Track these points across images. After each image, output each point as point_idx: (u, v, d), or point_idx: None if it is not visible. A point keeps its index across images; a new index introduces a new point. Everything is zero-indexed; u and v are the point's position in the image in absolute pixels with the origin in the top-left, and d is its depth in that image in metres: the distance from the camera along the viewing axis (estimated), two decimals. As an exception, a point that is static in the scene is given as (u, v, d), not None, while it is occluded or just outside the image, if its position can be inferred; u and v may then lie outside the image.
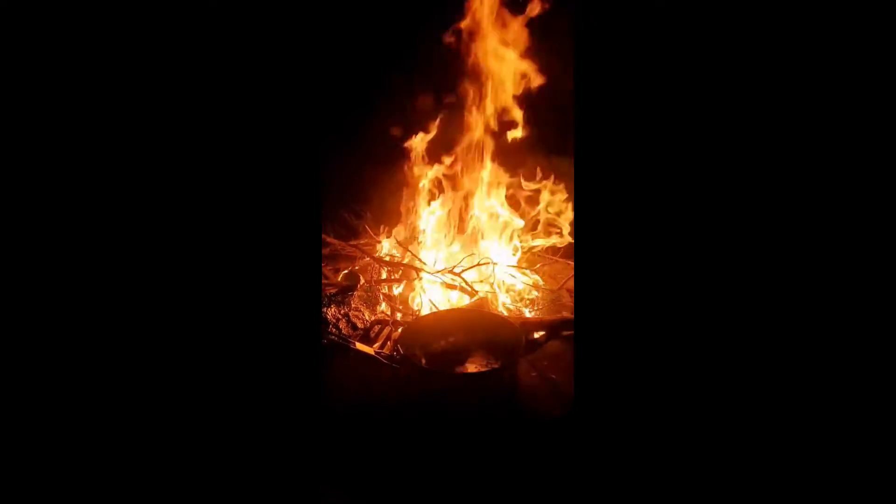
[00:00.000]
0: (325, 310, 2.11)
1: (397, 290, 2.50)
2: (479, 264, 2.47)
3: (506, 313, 2.32)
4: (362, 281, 2.34)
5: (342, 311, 2.14)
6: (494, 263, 2.48)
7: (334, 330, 2.05)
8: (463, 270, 2.43)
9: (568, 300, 2.46)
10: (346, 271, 2.63)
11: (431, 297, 2.39)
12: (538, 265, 2.66)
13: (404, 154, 2.94)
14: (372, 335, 2.14)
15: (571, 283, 2.64)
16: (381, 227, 2.92)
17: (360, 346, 1.84)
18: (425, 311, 2.32)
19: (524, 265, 2.63)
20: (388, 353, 1.97)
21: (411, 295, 2.45)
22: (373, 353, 1.86)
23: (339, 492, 1.38)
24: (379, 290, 2.41)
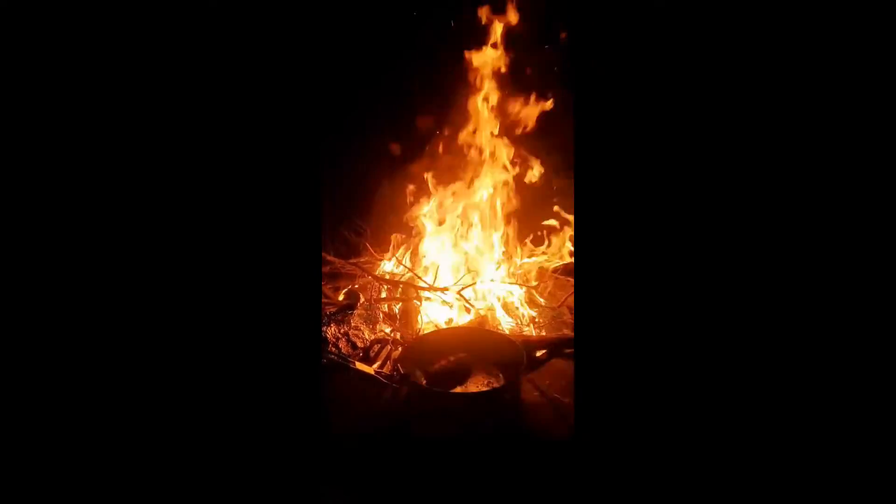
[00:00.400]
0: (324, 328, 2.10)
1: (397, 307, 2.49)
2: (478, 282, 2.46)
3: (506, 331, 2.31)
4: (362, 300, 2.32)
5: (342, 330, 2.13)
6: (493, 281, 2.47)
7: (334, 349, 2.03)
8: (462, 288, 2.42)
9: (569, 317, 2.45)
10: (346, 290, 2.62)
11: (431, 315, 2.38)
12: (538, 282, 2.65)
13: (406, 171, 2.96)
14: (371, 354, 2.12)
15: (572, 300, 2.63)
16: (382, 245, 2.93)
17: (359, 365, 1.82)
18: (425, 330, 2.31)
19: (524, 282, 2.62)
20: (388, 372, 1.96)
21: (411, 313, 2.44)
22: (372, 372, 1.84)
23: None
24: (379, 309, 2.39)
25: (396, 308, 2.50)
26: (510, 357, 1.93)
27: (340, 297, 2.54)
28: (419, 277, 2.53)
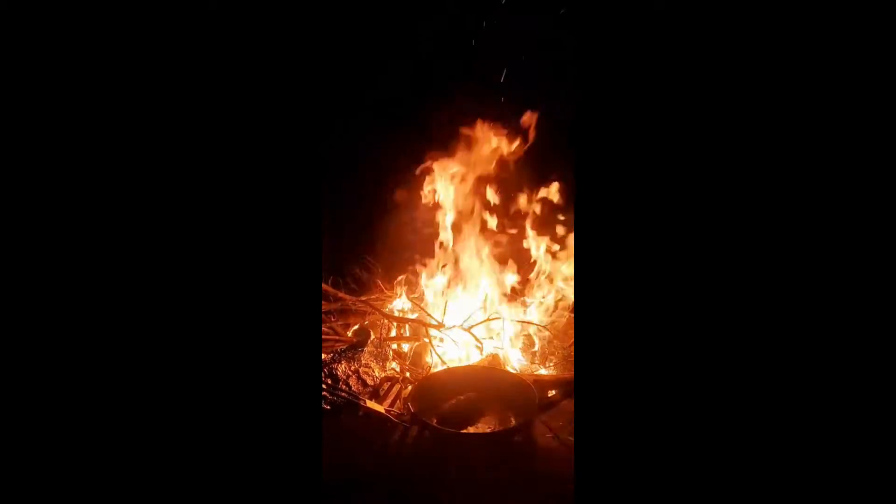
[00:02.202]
0: (335, 366, 2.09)
1: (406, 345, 2.48)
2: (488, 319, 2.45)
3: (518, 370, 2.28)
4: (373, 337, 2.32)
5: (352, 368, 2.11)
6: (502, 318, 2.46)
7: (345, 387, 2.02)
8: (472, 326, 2.41)
9: (581, 357, 2.42)
10: (356, 327, 2.62)
11: (441, 353, 2.36)
12: (550, 320, 2.63)
13: (417, 206, 2.99)
14: (381, 392, 2.10)
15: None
16: (392, 282, 2.93)
17: (370, 403, 1.80)
18: (435, 368, 2.29)
19: (535, 320, 2.61)
20: (398, 411, 1.93)
21: (421, 351, 2.42)
22: (383, 411, 1.82)
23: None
24: (389, 347, 2.38)
25: (406, 346, 2.49)
26: (522, 398, 1.91)
27: (349, 334, 2.54)
28: (428, 315, 2.52)
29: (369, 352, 2.22)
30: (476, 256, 2.75)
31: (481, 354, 2.34)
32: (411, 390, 1.95)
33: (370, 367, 2.16)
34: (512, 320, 2.49)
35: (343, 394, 1.84)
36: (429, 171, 2.90)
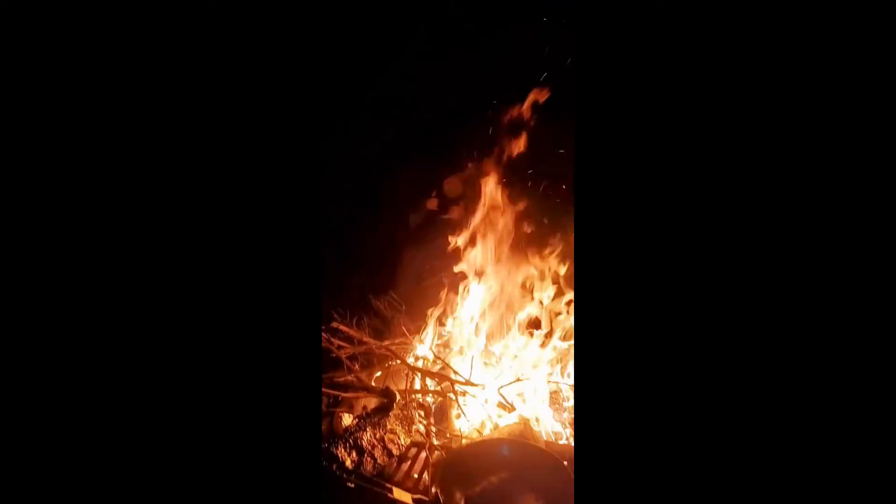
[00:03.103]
0: (360, 434, 2.00)
1: (430, 398, 2.39)
2: (518, 380, 2.34)
3: (552, 437, 2.18)
4: (398, 398, 2.22)
5: (377, 436, 2.02)
6: (529, 380, 2.35)
7: (370, 460, 1.93)
8: (502, 386, 2.30)
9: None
10: (378, 374, 2.53)
11: (469, 412, 2.26)
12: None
13: (443, 243, 2.89)
14: (407, 462, 2.01)
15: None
16: (417, 322, 2.83)
17: (397, 493, 1.71)
18: (462, 433, 2.19)
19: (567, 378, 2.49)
20: (427, 499, 1.83)
21: (447, 406, 2.33)
22: (410, 502, 1.73)
23: None
24: (414, 402, 2.29)
25: (429, 398, 2.39)
26: (556, 483, 1.80)
27: (373, 382, 2.45)
28: (454, 371, 2.42)
29: (395, 415, 2.13)
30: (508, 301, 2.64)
31: (513, 417, 2.23)
32: (439, 470, 1.86)
33: (395, 434, 2.07)
34: (547, 382, 2.37)
35: (366, 482, 1.74)
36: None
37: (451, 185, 3.24)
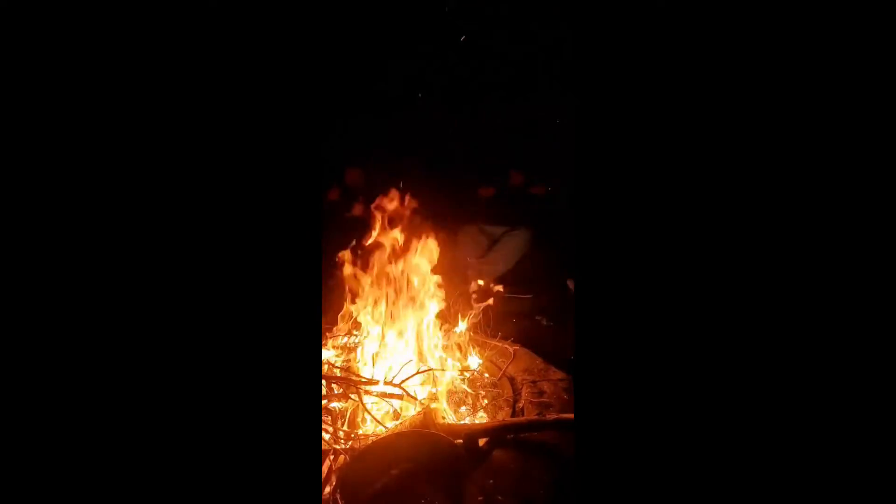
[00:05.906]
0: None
1: (334, 404, 2.45)
2: (418, 372, 2.44)
3: (454, 419, 2.30)
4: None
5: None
6: (431, 370, 2.46)
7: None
8: (403, 381, 2.40)
9: (509, 392, 2.47)
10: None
11: (375, 412, 2.35)
12: (479, 364, 2.66)
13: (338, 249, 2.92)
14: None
15: (511, 369, 2.66)
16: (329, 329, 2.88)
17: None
18: (367, 432, 2.28)
19: (467, 364, 2.62)
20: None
21: (355, 411, 2.40)
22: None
23: None
24: (324, 410, 2.35)
25: (335, 405, 2.46)
26: (451, 463, 1.92)
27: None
28: (357, 374, 2.49)
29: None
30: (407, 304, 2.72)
31: (416, 408, 2.34)
32: (339, 474, 1.94)
33: (300, 447, 2.12)
34: (441, 370, 2.49)
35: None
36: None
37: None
